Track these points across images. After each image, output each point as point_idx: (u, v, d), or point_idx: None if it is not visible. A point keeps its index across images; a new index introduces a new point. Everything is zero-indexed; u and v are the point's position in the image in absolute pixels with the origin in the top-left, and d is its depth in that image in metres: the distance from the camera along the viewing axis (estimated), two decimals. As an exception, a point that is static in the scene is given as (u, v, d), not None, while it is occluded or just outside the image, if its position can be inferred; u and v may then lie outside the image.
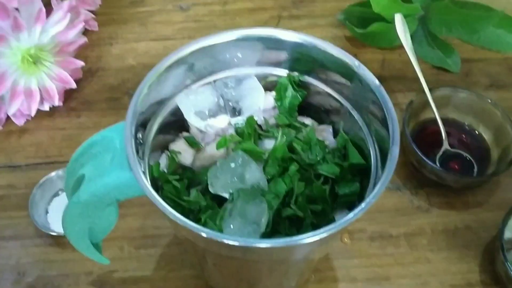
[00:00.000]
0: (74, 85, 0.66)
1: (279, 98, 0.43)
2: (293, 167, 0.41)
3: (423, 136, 0.64)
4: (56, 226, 0.57)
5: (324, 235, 0.32)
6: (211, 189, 0.39)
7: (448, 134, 0.62)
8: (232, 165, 0.38)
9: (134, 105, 0.37)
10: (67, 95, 0.68)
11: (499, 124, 0.61)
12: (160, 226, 0.58)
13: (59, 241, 0.57)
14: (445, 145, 0.62)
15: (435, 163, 0.59)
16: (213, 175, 0.39)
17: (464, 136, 0.64)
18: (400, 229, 0.59)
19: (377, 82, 0.40)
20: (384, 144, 0.39)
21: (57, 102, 0.65)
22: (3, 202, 0.59)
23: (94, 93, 0.69)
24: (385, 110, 0.39)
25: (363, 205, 0.33)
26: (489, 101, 0.62)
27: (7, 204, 0.59)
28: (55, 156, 0.63)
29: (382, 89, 0.40)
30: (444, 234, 0.59)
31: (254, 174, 0.39)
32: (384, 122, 0.39)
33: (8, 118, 0.65)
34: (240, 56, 0.44)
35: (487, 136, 0.63)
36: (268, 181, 0.40)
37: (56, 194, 0.60)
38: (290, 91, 0.43)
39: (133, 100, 0.37)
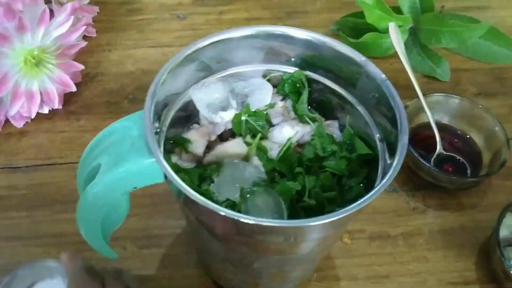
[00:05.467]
0: (74, 88, 0.66)
1: (292, 91, 0.45)
2: (301, 168, 0.42)
3: (417, 140, 0.66)
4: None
5: (348, 213, 0.33)
6: (219, 198, 0.40)
7: (441, 138, 0.64)
8: (228, 173, 0.40)
9: (153, 91, 0.38)
10: (66, 98, 0.68)
11: (489, 129, 0.64)
12: (163, 226, 0.59)
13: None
14: (439, 149, 0.64)
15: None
16: (216, 190, 0.40)
17: (456, 141, 0.66)
18: (398, 229, 0.61)
19: (383, 76, 0.42)
20: (390, 136, 0.41)
21: (57, 105, 0.65)
22: (4, 203, 0.59)
23: (93, 97, 0.70)
24: (391, 101, 0.40)
25: (377, 187, 0.35)
26: (480, 106, 0.64)
27: (7, 205, 0.59)
28: (55, 157, 0.63)
29: (389, 82, 0.42)
30: (441, 234, 0.60)
31: (251, 171, 0.40)
32: (390, 115, 0.40)
33: (6, 120, 0.65)
34: (250, 54, 0.45)
35: (478, 140, 0.65)
36: (281, 175, 0.42)
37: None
38: (306, 85, 0.44)
39: (152, 87, 0.38)
